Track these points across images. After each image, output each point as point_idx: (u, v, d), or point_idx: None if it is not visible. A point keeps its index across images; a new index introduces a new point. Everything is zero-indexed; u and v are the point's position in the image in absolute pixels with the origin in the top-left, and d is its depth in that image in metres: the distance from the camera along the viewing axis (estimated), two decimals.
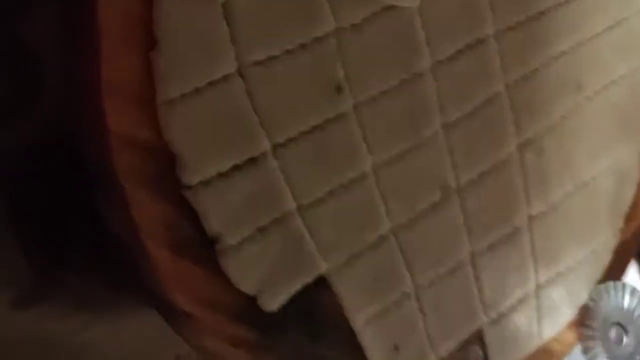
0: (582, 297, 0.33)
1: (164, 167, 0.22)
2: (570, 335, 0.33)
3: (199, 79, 0.22)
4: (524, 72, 0.29)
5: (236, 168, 0.23)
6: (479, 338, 0.30)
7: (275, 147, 0.23)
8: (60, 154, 0.28)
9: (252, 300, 0.24)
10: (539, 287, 0.31)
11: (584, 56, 0.31)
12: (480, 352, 0.30)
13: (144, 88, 0.21)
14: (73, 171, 0.25)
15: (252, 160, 0.23)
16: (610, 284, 0.33)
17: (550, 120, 0.30)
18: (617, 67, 0.33)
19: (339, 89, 0.24)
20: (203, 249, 0.23)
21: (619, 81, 0.33)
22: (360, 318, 0.26)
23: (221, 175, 0.22)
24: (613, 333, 0.33)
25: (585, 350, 0.33)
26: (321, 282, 0.25)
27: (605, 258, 0.34)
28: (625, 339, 0.33)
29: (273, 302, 0.24)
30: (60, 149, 0.28)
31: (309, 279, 0.25)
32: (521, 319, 0.31)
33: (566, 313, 0.33)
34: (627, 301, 0.32)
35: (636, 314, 0.32)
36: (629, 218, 0.35)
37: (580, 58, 0.31)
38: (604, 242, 0.34)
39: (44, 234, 0.31)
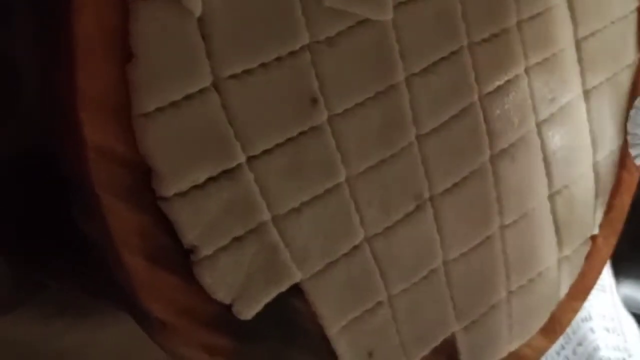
0: (554, 302, 0.34)
1: (141, 178, 0.22)
2: (542, 341, 0.34)
3: (175, 93, 0.22)
4: (497, 84, 0.29)
5: (212, 180, 0.23)
6: (451, 344, 0.31)
7: (250, 159, 0.23)
8: (39, 160, 0.28)
9: (228, 308, 0.24)
10: (510, 294, 0.32)
11: (557, 68, 0.31)
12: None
13: (121, 100, 0.21)
14: (52, 177, 0.25)
15: (228, 172, 0.23)
16: None
17: (524, 130, 0.31)
18: (590, 79, 0.33)
19: (313, 101, 0.24)
20: (179, 258, 0.23)
21: (592, 91, 0.33)
22: (334, 326, 0.26)
23: (196, 187, 0.22)
24: None
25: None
26: (296, 289, 0.25)
27: (577, 264, 0.35)
28: None
29: (248, 311, 0.24)
30: (39, 155, 0.28)
31: (283, 288, 0.25)
32: (493, 325, 0.31)
33: (538, 319, 0.34)
34: None
35: None
36: (600, 225, 0.35)
37: (553, 70, 0.31)
38: (577, 249, 0.34)
39: (23, 239, 0.31)
